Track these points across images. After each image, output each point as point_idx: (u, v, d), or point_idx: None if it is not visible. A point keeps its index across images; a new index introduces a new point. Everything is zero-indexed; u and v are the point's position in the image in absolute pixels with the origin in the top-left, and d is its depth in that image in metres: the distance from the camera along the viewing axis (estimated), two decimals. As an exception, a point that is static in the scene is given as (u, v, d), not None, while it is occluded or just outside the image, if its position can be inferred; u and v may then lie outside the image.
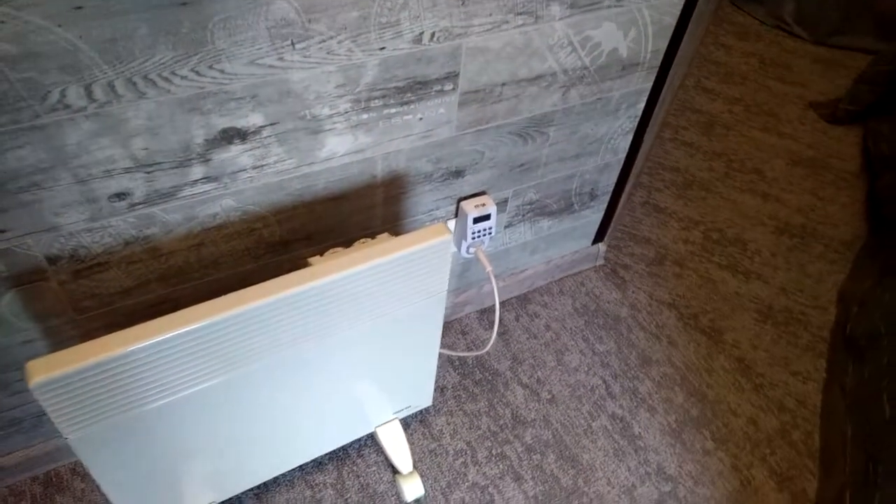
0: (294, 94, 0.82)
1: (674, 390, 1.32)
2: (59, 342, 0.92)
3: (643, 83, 1.15)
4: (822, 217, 1.72)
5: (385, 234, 0.92)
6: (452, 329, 1.38)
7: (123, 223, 0.83)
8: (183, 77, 0.73)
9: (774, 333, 1.44)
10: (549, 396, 1.29)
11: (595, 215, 1.40)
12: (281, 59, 0.77)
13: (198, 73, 0.73)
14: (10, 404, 0.97)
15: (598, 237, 1.47)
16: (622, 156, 1.28)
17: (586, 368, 1.34)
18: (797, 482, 1.20)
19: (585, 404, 1.28)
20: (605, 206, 1.39)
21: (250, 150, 0.85)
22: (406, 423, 1.21)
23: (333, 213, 1.00)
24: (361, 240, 0.91)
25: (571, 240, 1.42)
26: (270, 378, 0.85)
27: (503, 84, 0.99)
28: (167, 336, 0.71)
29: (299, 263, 1.04)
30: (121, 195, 0.79)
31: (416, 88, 0.91)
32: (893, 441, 1.09)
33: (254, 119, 0.82)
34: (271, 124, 0.83)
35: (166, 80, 0.72)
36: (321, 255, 0.89)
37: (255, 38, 0.74)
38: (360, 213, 1.03)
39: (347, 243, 1.04)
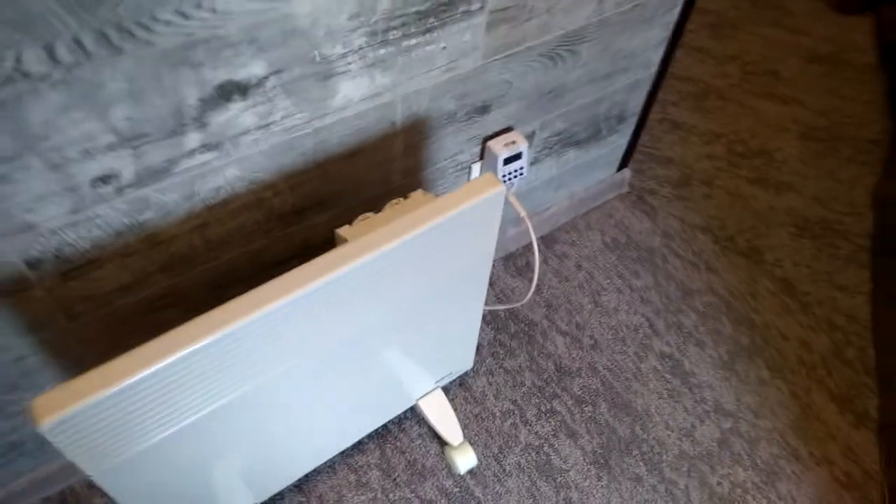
0: (300, 33, 0.67)
1: (720, 320, 1.24)
2: (53, 355, 0.78)
3: (680, -16, 1.01)
4: (846, 116, 1.62)
5: (419, 192, 0.79)
6: (478, 279, 1.27)
7: (112, 211, 0.68)
8: (166, 23, 0.57)
9: (814, 247, 1.36)
10: (591, 342, 1.20)
11: (622, 140, 1.27)
12: (284, -12, 0.62)
13: (184, 15, 0.58)
14: (7, 428, 0.84)
15: (623, 163, 1.35)
16: (653, 70, 1.15)
17: (626, 307, 1.25)
18: (858, 402, 1.14)
19: (630, 346, 1.20)
20: (632, 128, 1.26)
21: (253, 106, 0.70)
22: (446, 390, 1.12)
23: (349, 171, 0.86)
24: (393, 201, 0.78)
25: (596, 169, 1.30)
26: (304, 374, 0.73)
27: (534, -2, 0.84)
28: (186, 352, 0.58)
29: (315, 233, 0.91)
30: (105, 178, 0.65)
31: (440, 11, 0.76)
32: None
33: (254, 68, 0.67)
34: (276, 72, 0.68)
35: (146, 28, 0.56)
36: (350, 223, 0.76)
37: (251, -36, 0.58)
38: (377, 169, 0.90)
39: (369, 205, 0.90)
